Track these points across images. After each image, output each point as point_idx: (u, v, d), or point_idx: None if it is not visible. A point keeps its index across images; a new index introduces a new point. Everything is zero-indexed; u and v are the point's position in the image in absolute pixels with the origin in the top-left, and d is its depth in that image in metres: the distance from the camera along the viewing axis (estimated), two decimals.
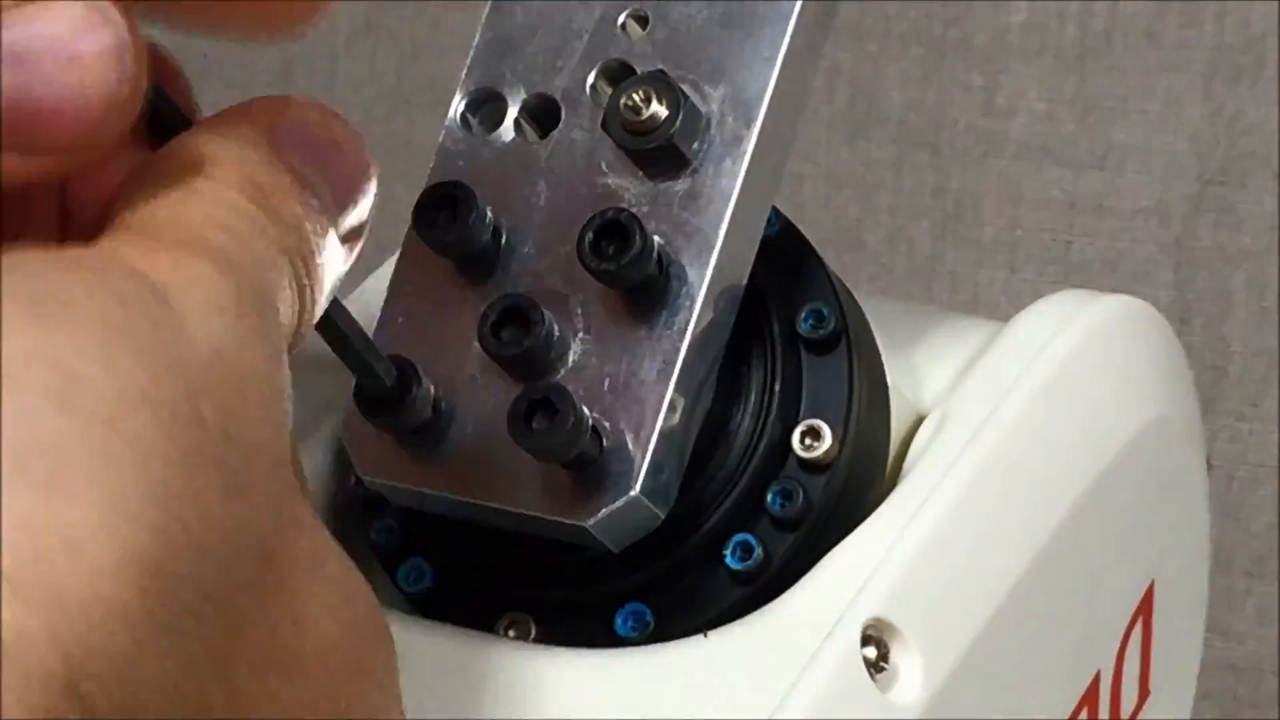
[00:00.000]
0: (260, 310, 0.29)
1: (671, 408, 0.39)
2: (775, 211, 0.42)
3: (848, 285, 0.44)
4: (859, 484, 0.42)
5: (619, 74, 0.41)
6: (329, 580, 0.29)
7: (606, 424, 0.39)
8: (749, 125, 0.40)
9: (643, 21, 0.41)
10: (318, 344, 0.35)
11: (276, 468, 0.28)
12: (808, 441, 0.42)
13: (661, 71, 0.40)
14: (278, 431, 0.28)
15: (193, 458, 0.26)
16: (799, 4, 0.40)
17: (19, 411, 0.24)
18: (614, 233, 0.39)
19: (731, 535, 0.41)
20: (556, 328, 0.40)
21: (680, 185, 0.40)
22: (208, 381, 0.27)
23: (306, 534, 0.29)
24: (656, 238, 0.40)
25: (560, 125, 0.41)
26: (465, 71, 0.42)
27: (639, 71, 0.41)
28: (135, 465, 0.25)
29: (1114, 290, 0.48)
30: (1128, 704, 0.48)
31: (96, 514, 0.24)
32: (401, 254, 0.42)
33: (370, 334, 0.39)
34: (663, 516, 0.40)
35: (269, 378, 0.28)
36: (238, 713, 0.26)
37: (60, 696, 0.23)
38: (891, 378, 0.44)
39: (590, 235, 0.39)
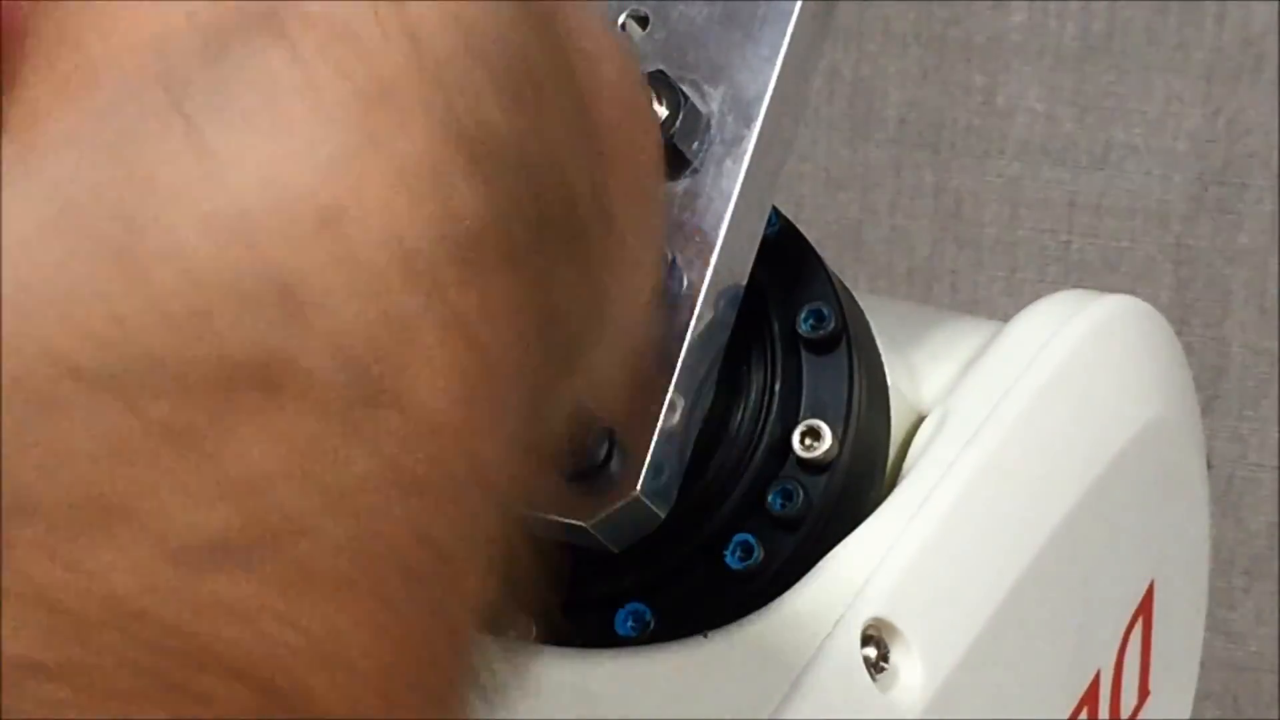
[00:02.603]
0: None
1: (671, 408, 0.39)
2: (775, 211, 0.42)
3: (848, 285, 0.44)
4: (859, 484, 0.42)
5: None
6: (605, 35, 0.31)
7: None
8: (749, 125, 0.40)
9: (643, 21, 0.41)
10: None
11: None
12: (808, 441, 0.42)
13: (661, 71, 0.40)
14: None
15: None
16: (799, 4, 0.40)
17: None
18: None
19: (732, 535, 0.41)
20: None
21: (680, 185, 0.40)
22: None
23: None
24: None
25: None
26: None
27: None
28: None
29: (1114, 290, 0.48)
30: (1128, 704, 0.48)
31: None
32: None
33: None
34: (663, 516, 0.40)
35: None
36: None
37: (444, 135, 0.26)
38: (891, 378, 0.44)
39: None
